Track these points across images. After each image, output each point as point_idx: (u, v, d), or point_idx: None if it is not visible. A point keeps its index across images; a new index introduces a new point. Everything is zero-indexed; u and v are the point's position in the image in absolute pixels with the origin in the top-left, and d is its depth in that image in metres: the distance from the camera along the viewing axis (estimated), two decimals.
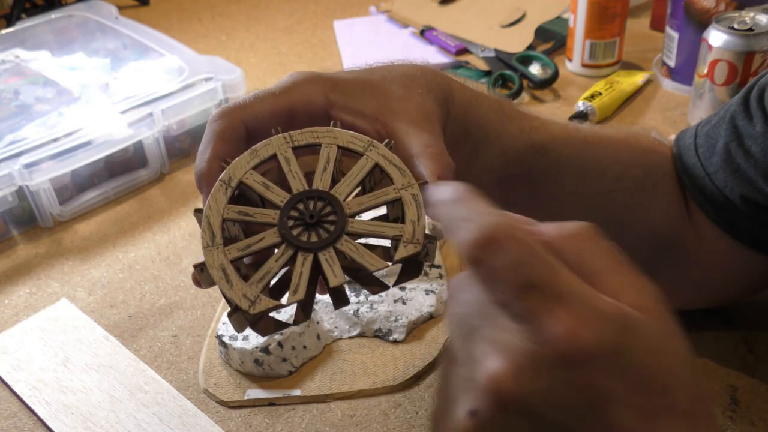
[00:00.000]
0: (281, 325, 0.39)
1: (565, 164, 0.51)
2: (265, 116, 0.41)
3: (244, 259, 0.38)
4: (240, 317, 0.36)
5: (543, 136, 0.50)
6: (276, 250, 0.36)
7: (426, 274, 0.64)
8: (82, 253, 0.73)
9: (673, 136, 0.57)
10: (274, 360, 0.57)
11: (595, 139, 0.53)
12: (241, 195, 0.39)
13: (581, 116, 0.86)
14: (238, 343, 0.57)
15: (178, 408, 0.55)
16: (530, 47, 1.02)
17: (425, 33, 1.08)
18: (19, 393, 0.57)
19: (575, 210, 0.51)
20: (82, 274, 0.70)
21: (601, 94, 0.88)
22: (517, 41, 1.03)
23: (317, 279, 0.37)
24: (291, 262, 0.36)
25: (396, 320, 0.60)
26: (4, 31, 1.02)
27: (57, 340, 0.62)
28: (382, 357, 0.59)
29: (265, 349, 0.56)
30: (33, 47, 0.96)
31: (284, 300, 0.36)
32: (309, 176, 0.38)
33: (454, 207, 0.31)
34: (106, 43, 0.97)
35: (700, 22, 0.85)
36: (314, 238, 0.36)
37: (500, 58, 0.99)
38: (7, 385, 0.58)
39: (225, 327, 0.59)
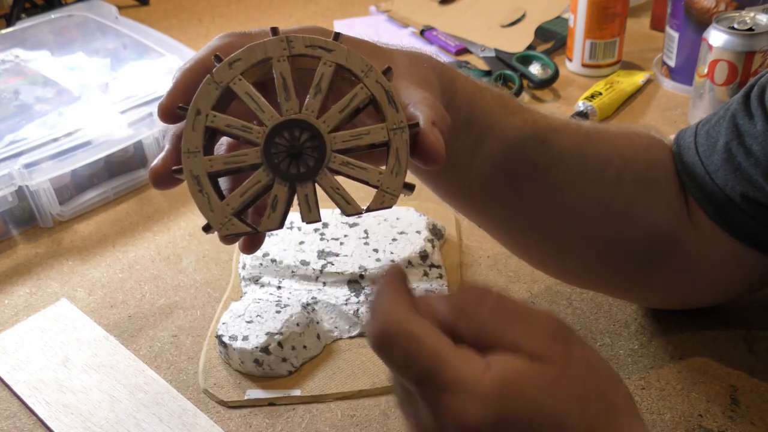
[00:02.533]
0: (250, 231, 0.37)
1: (567, 157, 0.51)
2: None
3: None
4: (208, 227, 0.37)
5: (545, 128, 0.51)
6: (255, 173, 0.36)
7: (426, 275, 0.64)
8: (82, 253, 0.73)
9: (672, 136, 0.57)
10: (274, 360, 0.57)
11: (596, 134, 0.53)
12: (224, 106, 0.37)
13: (581, 116, 0.86)
14: (238, 343, 0.57)
15: (178, 408, 0.55)
16: (530, 47, 1.02)
17: (425, 33, 1.08)
18: (18, 393, 0.57)
19: (577, 204, 0.51)
20: (82, 274, 0.70)
21: (601, 94, 0.88)
22: (517, 41, 1.03)
23: (290, 207, 0.36)
24: (268, 189, 0.36)
25: None
26: (4, 31, 1.02)
27: (57, 340, 0.62)
28: None
29: (265, 349, 0.56)
30: (33, 47, 0.96)
31: (258, 227, 0.36)
32: (297, 87, 0.37)
33: (377, 297, 0.33)
34: (106, 43, 0.97)
35: (700, 21, 0.85)
36: (294, 170, 0.35)
37: (500, 58, 0.99)
38: (7, 385, 0.58)
39: (225, 327, 0.59)
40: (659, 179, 0.53)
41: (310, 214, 0.36)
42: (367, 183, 0.36)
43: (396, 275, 0.34)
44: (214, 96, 0.36)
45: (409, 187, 0.37)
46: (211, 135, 0.37)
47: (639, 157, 0.53)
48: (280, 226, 0.35)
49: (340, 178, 0.37)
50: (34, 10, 1.20)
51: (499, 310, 0.32)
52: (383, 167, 0.36)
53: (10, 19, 1.16)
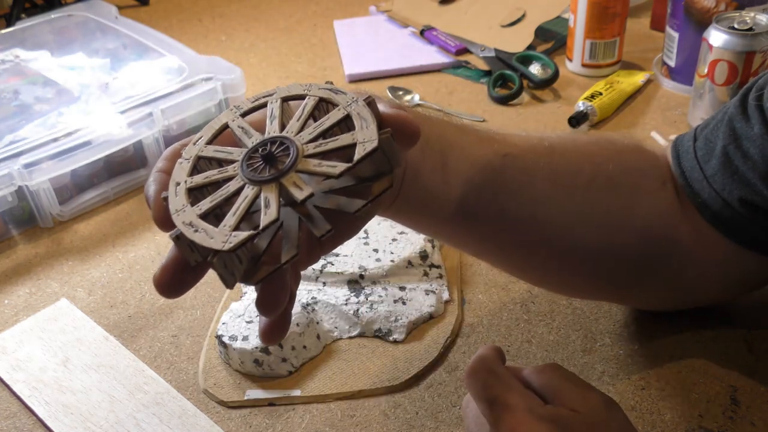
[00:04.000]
0: (274, 268, 0.36)
1: (534, 170, 0.50)
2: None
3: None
4: (222, 265, 0.35)
5: (505, 146, 0.50)
6: (242, 193, 0.36)
7: (426, 275, 0.64)
8: (82, 253, 0.73)
9: (673, 136, 0.56)
10: (273, 360, 0.57)
11: (561, 144, 0.52)
12: (199, 171, 0.39)
13: (581, 116, 0.86)
14: (238, 344, 0.57)
15: (178, 408, 0.55)
16: (530, 47, 1.02)
17: (425, 33, 1.08)
18: (18, 393, 0.57)
19: (557, 217, 0.50)
20: (82, 274, 0.70)
21: (601, 94, 0.88)
22: (517, 41, 1.03)
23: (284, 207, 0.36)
24: (257, 197, 0.35)
25: (396, 320, 0.60)
26: (3, 31, 1.02)
27: (57, 340, 0.62)
28: (382, 357, 0.59)
29: (264, 349, 0.56)
30: (33, 47, 0.96)
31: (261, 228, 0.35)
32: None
33: (478, 352, 0.44)
34: (106, 43, 0.97)
35: (701, 21, 0.85)
36: (273, 171, 0.36)
37: (500, 58, 0.99)
38: (7, 386, 0.58)
39: (225, 327, 0.59)
40: (639, 181, 0.53)
41: (302, 192, 0.35)
42: (343, 147, 0.36)
43: (494, 346, 0.44)
44: (187, 168, 0.38)
45: (385, 133, 0.36)
46: (195, 197, 0.37)
47: (611, 160, 0.52)
48: (278, 216, 0.35)
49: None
50: (34, 10, 1.20)
51: (565, 377, 0.42)
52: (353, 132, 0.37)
53: (10, 19, 1.16)
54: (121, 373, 0.59)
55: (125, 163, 0.81)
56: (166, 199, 0.38)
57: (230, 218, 0.35)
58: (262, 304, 0.37)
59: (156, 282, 0.38)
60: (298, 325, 0.58)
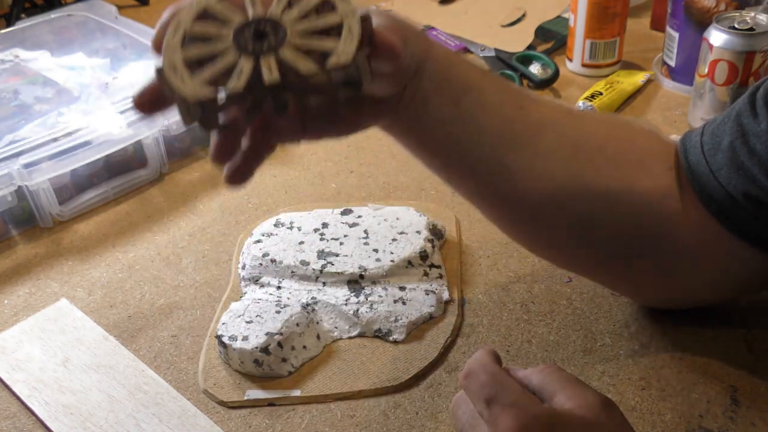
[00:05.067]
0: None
1: (545, 125, 0.52)
2: None
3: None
4: (185, 108, 0.40)
5: (524, 100, 0.52)
6: (225, 54, 0.40)
7: (426, 275, 0.64)
8: (82, 253, 0.73)
9: (675, 136, 0.57)
10: (273, 360, 0.57)
11: (580, 113, 0.54)
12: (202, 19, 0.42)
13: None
14: (238, 344, 0.57)
15: (178, 408, 0.55)
16: (530, 47, 1.02)
17: (425, 33, 1.08)
18: (18, 393, 0.57)
19: (557, 175, 0.52)
20: (82, 274, 0.70)
21: (601, 93, 0.88)
22: (517, 41, 1.03)
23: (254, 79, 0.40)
24: (235, 64, 0.40)
25: (396, 320, 0.60)
26: (3, 31, 1.02)
27: (56, 340, 0.62)
28: (382, 357, 0.58)
29: (264, 350, 0.56)
30: (32, 47, 0.96)
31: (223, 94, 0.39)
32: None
33: (474, 354, 0.44)
34: (106, 42, 0.97)
35: (701, 21, 0.85)
36: (258, 47, 0.40)
37: (500, 58, 0.99)
38: (7, 386, 0.58)
39: (224, 327, 0.59)
40: (645, 161, 0.53)
41: (271, 76, 0.39)
42: (324, 51, 0.40)
43: (490, 349, 0.45)
44: (192, 14, 0.41)
45: (362, 53, 0.40)
46: (187, 42, 0.41)
47: (622, 136, 0.54)
48: (244, 91, 0.39)
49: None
50: (34, 9, 1.20)
51: (562, 377, 0.42)
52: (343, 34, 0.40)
53: (9, 19, 1.16)
54: (120, 373, 0.58)
55: (125, 163, 0.81)
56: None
57: (206, 71, 0.39)
58: (215, 153, 0.44)
59: (134, 101, 0.43)
60: (298, 325, 0.58)
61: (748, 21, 0.77)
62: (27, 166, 0.72)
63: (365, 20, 0.41)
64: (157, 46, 0.42)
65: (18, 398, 0.57)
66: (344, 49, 0.39)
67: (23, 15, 1.17)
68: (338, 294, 0.62)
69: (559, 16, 1.09)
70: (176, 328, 0.63)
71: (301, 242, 0.67)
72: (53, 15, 1.03)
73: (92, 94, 0.84)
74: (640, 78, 0.93)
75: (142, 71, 0.88)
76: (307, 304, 0.61)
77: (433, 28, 1.08)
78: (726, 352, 0.57)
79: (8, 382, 0.58)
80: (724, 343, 0.58)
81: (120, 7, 1.08)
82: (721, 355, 0.57)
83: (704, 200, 0.52)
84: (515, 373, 0.44)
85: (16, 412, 0.56)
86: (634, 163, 0.53)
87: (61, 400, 0.56)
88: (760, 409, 0.52)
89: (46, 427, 0.55)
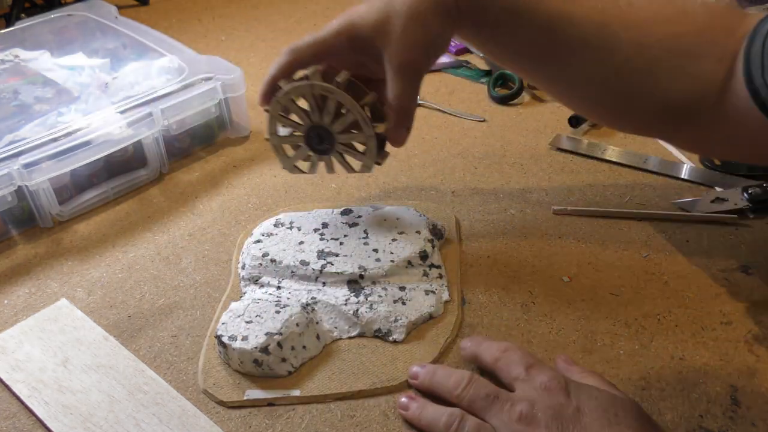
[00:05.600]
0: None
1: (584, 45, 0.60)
2: (311, 58, 0.64)
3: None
4: (281, 165, 0.69)
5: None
6: (302, 148, 0.67)
7: (426, 275, 0.64)
8: (82, 253, 0.73)
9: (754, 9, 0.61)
10: (273, 360, 0.57)
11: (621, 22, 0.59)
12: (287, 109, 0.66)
13: (582, 116, 0.86)
14: (238, 344, 0.57)
15: (178, 408, 0.55)
16: None
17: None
18: (18, 393, 0.57)
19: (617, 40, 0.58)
20: (82, 274, 0.70)
21: None
22: None
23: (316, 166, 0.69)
24: (306, 153, 0.67)
25: (396, 320, 0.60)
26: (3, 31, 1.02)
27: (56, 340, 0.62)
28: (382, 357, 0.58)
29: (264, 350, 0.56)
30: (32, 47, 0.96)
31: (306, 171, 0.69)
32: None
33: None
34: (106, 42, 0.97)
35: None
36: (318, 147, 0.67)
37: None
38: (7, 386, 0.58)
39: (224, 327, 0.59)
40: (700, 49, 0.57)
41: (354, 170, 0.68)
42: (355, 158, 0.66)
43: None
44: (278, 108, 0.66)
45: (382, 156, 0.68)
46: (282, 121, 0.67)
47: (683, 30, 0.58)
48: (311, 172, 0.69)
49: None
50: (34, 9, 1.20)
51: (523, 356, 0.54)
52: (365, 149, 0.65)
53: (9, 19, 1.16)
54: (120, 373, 0.58)
55: (125, 163, 0.81)
56: (276, 89, 0.64)
57: (294, 158, 0.68)
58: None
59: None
60: (297, 325, 0.58)
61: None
62: (27, 166, 0.72)
63: (381, 135, 0.65)
64: (263, 95, 0.65)
65: (18, 398, 0.57)
66: (366, 163, 0.66)
67: (23, 15, 1.17)
68: (338, 294, 0.62)
69: None
70: (176, 328, 0.63)
71: (301, 242, 0.67)
72: (53, 15, 1.03)
73: (92, 94, 0.84)
74: None
75: (141, 71, 0.87)
76: (307, 304, 0.61)
77: None
78: (726, 352, 0.57)
79: (8, 382, 0.58)
80: (724, 343, 0.58)
81: (120, 7, 1.08)
82: (721, 355, 0.57)
83: (751, 91, 0.53)
84: (480, 353, 0.56)
85: (16, 412, 0.56)
86: (685, 54, 0.57)
87: (61, 400, 0.56)
88: (760, 409, 0.52)
89: (46, 427, 0.55)
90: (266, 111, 0.66)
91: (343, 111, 0.63)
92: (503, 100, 0.94)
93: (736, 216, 0.70)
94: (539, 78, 0.66)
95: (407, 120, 0.63)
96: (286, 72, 0.65)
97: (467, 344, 0.57)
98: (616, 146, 0.83)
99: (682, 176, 0.78)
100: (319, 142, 0.66)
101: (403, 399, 0.54)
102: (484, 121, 0.91)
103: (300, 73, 0.64)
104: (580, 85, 0.62)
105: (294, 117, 0.65)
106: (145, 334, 0.63)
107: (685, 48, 0.57)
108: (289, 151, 0.68)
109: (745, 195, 0.71)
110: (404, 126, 0.63)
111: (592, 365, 0.56)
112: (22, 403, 0.57)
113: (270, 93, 0.65)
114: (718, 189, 0.75)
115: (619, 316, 0.61)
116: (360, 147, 0.65)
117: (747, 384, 0.54)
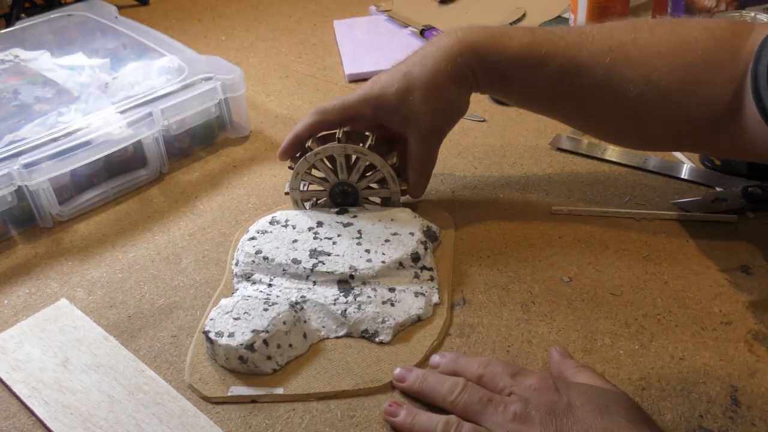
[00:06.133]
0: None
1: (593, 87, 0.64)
2: (337, 121, 0.70)
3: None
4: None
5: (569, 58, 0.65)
6: (324, 200, 0.73)
7: (417, 276, 0.64)
8: (82, 253, 0.73)
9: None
10: (258, 357, 0.57)
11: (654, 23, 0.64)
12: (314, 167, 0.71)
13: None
14: (224, 340, 0.57)
15: (178, 408, 0.55)
16: None
17: (425, 33, 1.08)
18: (18, 393, 0.57)
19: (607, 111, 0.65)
20: (82, 274, 0.70)
21: None
22: None
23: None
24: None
25: (383, 322, 0.60)
26: (3, 31, 1.02)
27: (56, 340, 0.62)
28: (367, 358, 0.58)
29: (250, 347, 0.56)
30: (32, 47, 0.96)
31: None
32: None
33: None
34: (106, 42, 0.97)
35: None
36: (342, 202, 0.72)
37: None
38: (7, 386, 0.58)
39: (212, 323, 0.59)
40: (708, 70, 0.59)
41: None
42: (380, 196, 0.73)
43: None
44: (306, 166, 0.70)
45: (403, 184, 0.72)
46: (303, 180, 0.73)
47: (690, 49, 0.59)
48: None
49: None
50: (34, 9, 1.20)
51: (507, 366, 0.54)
52: (386, 201, 0.73)
53: (9, 19, 1.16)
54: (120, 374, 0.58)
55: (125, 163, 0.81)
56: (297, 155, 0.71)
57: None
58: None
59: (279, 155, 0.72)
60: (284, 323, 0.58)
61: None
62: (27, 166, 0.72)
63: (404, 190, 0.72)
64: (284, 151, 0.71)
65: (18, 398, 0.57)
66: (393, 188, 0.71)
67: (23, 15, 1.17)
68: (327, 293, 0.62)
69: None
70: (176, 328, 0.63)
71: (295, 240, 0.67)
72: (53, 15, 1.03)
73: (92, 94, 0.84)
74: None
75: (141, 71, 0.88)
76: (296, 303, 0.61)
77: (433, 28, 1.08)
78: (726, 352, 0.57)
79: (8, 382, 0.58)
80: (724, 343, 0.58)
81: (120, 7, 1.08)
82: (721, 355, 0.57)
83: (761, 110, 0.54)
84: (467, 369, 0.55)
85: (16, 412, 0.56)
86: (698, 73, 0.59)
87: (61, 400, 0.56)
88: (761, 410, 0.52)
89: (46, 427, 0.55)
90: (290, 168, 0.70)
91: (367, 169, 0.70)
92: (503, 101, 0.94)
93: (736, 216, 0.70)
94: (558, 117, 0.72)
95: (427, 178, 0.72)
96: (313, 132, 0.70)
97: (440, 360, 0.57)
98: (615, 146, 0.83)
99: (682, 176, 0.78)
100: (343, 196, 0.72)
101: (389, 406, 0.53)
102: (484, 121, 0.91)
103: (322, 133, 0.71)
104: (597, 120, 0.67)
105: (316, 173, 0.71)
106: (145, 334, 0.63)
107: (692, 77, 0.59)
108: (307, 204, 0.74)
109: (745, 195, 0.71)
110: (424, 183, 0.72)
111: (592, 365, 0.56)
112: (22, 403, 0.57)
113: (293, 149, 0.70)
114: (718, 189, 0.75)
115: (619, 316, 0.61)
116: (378, 199, 0.73)
117: (747, 384, 0.54)
